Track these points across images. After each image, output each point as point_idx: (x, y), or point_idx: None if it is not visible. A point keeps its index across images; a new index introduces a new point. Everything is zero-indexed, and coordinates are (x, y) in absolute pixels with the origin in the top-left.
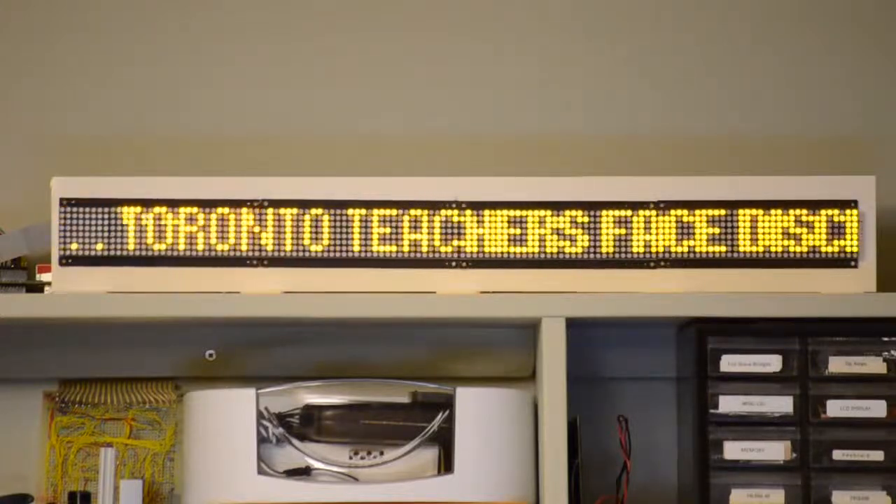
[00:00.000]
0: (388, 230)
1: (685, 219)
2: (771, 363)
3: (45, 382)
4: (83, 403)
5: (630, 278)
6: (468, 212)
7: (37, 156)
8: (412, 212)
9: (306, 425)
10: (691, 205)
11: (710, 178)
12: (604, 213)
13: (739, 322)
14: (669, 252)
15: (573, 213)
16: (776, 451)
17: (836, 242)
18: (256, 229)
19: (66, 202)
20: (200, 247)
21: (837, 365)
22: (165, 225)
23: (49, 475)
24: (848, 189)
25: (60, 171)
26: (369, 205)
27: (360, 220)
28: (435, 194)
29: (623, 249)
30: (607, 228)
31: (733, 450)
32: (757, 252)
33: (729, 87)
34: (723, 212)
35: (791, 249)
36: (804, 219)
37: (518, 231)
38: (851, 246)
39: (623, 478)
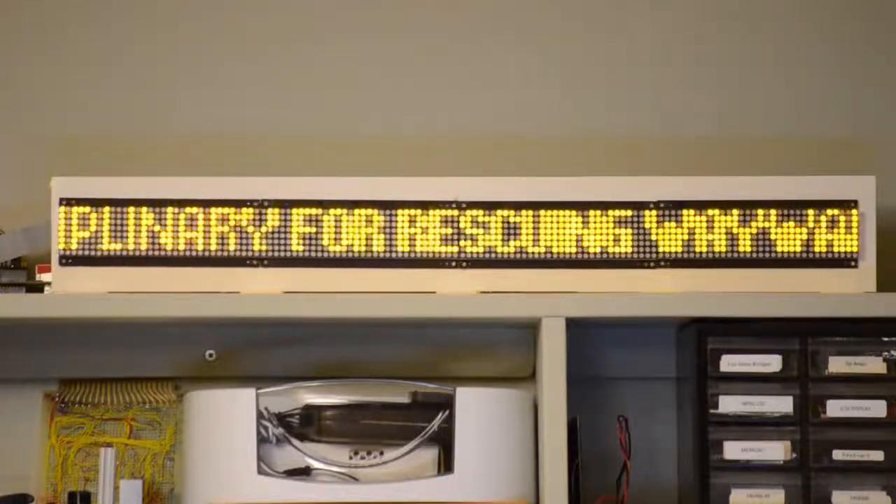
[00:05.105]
0: (387, 230)
1: (685, 219)
2: (771, 363)
3: (45, 382)
4: (83, 403)
5: (630, 278)
6: (468, 212)
7: (37, 156)
8: (412, 211)
9: (306, 425)
10: (691, 205)
11: (709, 178)
12: (604, 213)
13: (739, 322)
14: (669, 252)
15: (573, 212)
16: (776, 451)
17: (836, 242)
18: (256, 229)
19: (66, 202)
20: (200, 247)
21: (837, 365)
22: (165, 225)
23: (49, 475)
24: (848, 189)
25: (60, 171)
26: (369, 204)
27: (360, 220)
28: (435, 194)
29: (623, 249)
30: (607, 228)
31: (733, 450)
32: (757, 252)
33: (728, 87)
34: (723, 212)
35: (791, 249)
36: (804, 219)
37: (518, 231)
38: (851, 246)
39: (623, 478)
